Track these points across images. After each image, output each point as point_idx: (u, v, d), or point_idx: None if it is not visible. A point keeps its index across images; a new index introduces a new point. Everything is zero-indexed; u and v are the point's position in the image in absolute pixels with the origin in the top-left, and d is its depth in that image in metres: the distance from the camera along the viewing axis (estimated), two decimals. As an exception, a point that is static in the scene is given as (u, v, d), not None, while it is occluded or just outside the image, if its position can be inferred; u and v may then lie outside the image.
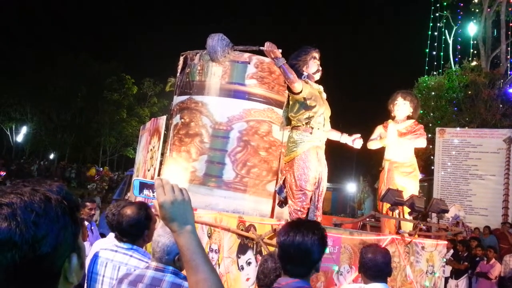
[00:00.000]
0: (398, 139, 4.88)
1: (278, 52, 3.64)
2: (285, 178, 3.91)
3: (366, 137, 5.33)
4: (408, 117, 5.10)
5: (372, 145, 5.09)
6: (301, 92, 3.77)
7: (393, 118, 5.16)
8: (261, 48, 3.70)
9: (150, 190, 1.27)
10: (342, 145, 4.34)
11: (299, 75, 3.98)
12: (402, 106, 5.06)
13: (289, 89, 3.83)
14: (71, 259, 0.84)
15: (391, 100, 5.19)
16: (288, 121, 4.01)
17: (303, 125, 3.85)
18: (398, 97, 5.12)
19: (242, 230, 3.40)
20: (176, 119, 5.06)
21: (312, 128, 3.85)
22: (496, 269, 7.64)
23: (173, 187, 1.17)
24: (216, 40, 3.78)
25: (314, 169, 3.79)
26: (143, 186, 1.28)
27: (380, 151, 5.23)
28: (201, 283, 1.11)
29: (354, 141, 4.14)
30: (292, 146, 3.86)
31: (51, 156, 33.40)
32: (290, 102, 3.95)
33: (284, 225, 1.88)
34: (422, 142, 4.98)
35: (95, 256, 2.29)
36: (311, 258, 1.74)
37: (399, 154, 4.90)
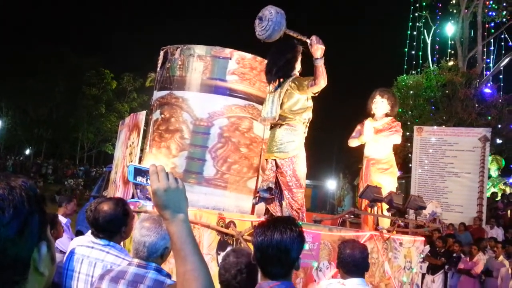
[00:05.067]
0: (374, 136, 4.98)
1: (323, 49, 3.52)
2: (276, 176, 3.85)
3: (347, 136, 5.41)
4: (387, 115, 5.19)
5: (352, 142, 5.18)
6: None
7: (372, 116, 5.25)
8: (307, 40, 3.57)
9: (145, 177, 1.26)
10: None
11: (291, 71, 3.94)
12: (380, 104, 5.16)
13: (301, 85, 3.70)
14: (40, 248, 0.83)
15: (370, 98, 5.28)
16: (278, 116, 3.89)
17: (301, 123, 3.81)
18: (376, 95, 5.21)
19: (222, 226, 3.38)
20: (156, 115, 4.99)
21: (307, 127, 3.85)
22: (479, 266, 7.78)
23: (168, 174, 1.16)
24: (283, 17, 3.57)
25: (305, 167, 3.84)
26: (137, 172, 1.27)
27: (360, 149, 5.30)
28: (188, 273, 1.10)
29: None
30: (289, 144, 3.77)
31: (27, 152, 32.63)
32: (292, 98, 3.82)
33: (258, 225, 1.81)
34: (396, 139, 5.07)
35: (71, 253, 2.24)
36: (291, 256, 1.67)
37: (376, 151, 5.00)
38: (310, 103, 3.88)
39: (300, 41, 3.81)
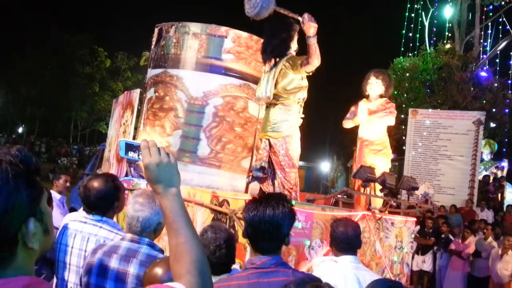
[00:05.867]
0: (368, 117, 4.98)
1: (315, 27, 3.47)
2: (269, 156, 3.87)
3: (341, 118, 5.40)
4: (381, 96, 5.18)
5: (346, 124, 5.18)
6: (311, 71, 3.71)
7: (367, 97, 5.24)
8: (299, 18, 3.52)
9: (136, 152, 1.27)
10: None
11: (287, 50, 3.90)
12: (374, 85, 5.14)
13: (295, 65, 3.69)
14: (28, 224, 0.81)
15: (364, 79, 5.27)
16: (272, 96, 3.90)
17: (295, 103, 3.80)
18: (370, 75, 5.20)
19: (215, 205, 3.40)
20: (150, 93, 4.95)
21: (301, 107, 3.84)
22: (471, 248, 7.91)
23: (159, 149, 1.17)
24: None
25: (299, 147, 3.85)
26: (129, 147, 1.27)
27: (354, 131, 5.31)
28: (180, 246, 1.11)
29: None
30: (283, 123, 3.78)
31: (20, 130, 32.41)
32: (287, 77, 3.81)
33: (250, 201, 1.82)
34: (390, 120, 5.06)
35: (64, 228, 2.26)
36: (282, 232, 1.70)
37: (370, 132, 5.01)
38: (305, 83, 3.86)
39: (294, 20, 3.77)
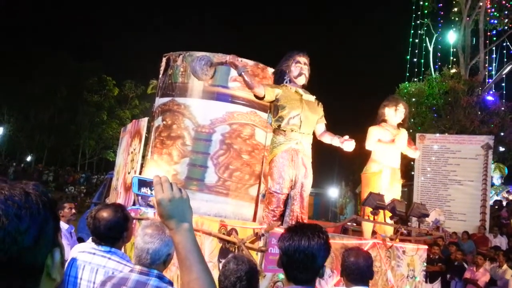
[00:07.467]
0: (406, 147, 5.01)
1: (239, 62, 3.81)
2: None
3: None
4: (398, 125, 5.09)
5: (375, 146, 4.95)
6: (264, 97, 3.89)
7: (381, 122, 5.10)
8: (226, 60, 3.94)
9: (148, 188, 1.28)
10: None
11: (282, 79, 4.05)
12: (400, 113, 5.04)
13: (255, 96, 3.99)
14: (54, 254, 0.82)
15: (389, 104, 5.08)
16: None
17: (278, 127, 3.92)
18: (400, 103, 5.10)
19: (223, 234, 3.36)
20: (158, 121, 4.99)
21: (285, 130, 3.87)
22: (486, 277, 7.68)
23: (172, 185, 1.18)
24: (195, 62, 4.07)
25: (288, 171, 3.78)
26: (141, 183, 1.29)
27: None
28: (193, 282, 1.11)
29: (343, 143, 4.09)
30: (270, 150, 3.99)
31: (28, 158, 32.65)
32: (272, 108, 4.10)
33: (286, 230, 1.83)
34: (418, 155, 5.34)
35: (73, 259, 2.24)
36: (316, 263, 1.70)
37: (397, 161, 5.01)
38: (281, 107, 3.92)
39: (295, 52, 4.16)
